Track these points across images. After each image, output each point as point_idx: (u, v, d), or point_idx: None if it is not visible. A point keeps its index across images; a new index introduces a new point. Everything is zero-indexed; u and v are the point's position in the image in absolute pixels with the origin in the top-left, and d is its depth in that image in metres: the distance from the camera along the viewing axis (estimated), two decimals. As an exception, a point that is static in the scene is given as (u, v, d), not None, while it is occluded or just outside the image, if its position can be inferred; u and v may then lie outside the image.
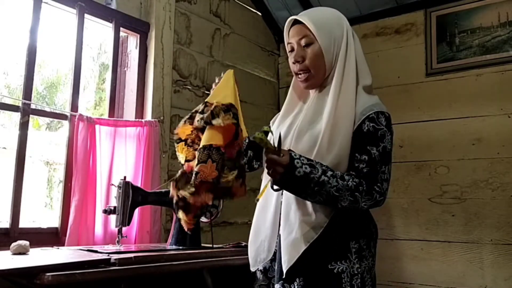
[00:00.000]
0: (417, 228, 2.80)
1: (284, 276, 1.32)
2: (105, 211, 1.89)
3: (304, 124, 1.39)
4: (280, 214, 1.38)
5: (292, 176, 1.23)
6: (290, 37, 1.45)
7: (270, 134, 1.30)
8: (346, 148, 1.32)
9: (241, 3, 3.13)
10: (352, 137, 1.33)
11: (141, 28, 2.51)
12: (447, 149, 2.75)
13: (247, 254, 1.48)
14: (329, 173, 1.26)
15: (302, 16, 1.43)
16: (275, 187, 1.30)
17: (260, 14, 3.25)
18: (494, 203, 2.59)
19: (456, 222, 2.68)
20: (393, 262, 2.84)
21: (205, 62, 2.81)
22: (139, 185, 2.17)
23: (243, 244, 2.06)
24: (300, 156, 1.26)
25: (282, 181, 1.25)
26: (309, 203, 1.32)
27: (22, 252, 1.63)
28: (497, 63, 2.65)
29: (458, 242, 2.66)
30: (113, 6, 2.38)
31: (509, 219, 2.54)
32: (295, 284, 1.31)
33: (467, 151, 2.69)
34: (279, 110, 1.63)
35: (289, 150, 1.27)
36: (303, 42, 1.41)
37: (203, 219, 2.16)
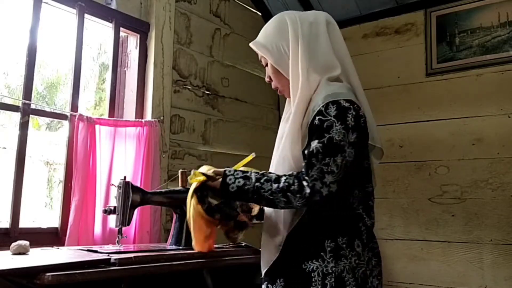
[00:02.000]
0: (417, 228, 2.80)
1: (265, 276, 1.39)
2: (105, 211, 1.88)
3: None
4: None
5: (228, 192, 1.35)
6: None
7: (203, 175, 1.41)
8: (288, 148, 1.33)
9: (241, 3, 3.13)
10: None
11: (141, 28, 2.51)
12: (447, 149, 2.75)
13: (247, 254, 1.50)
14: (264, 178, 1.31)
15: (253, 42, 1.47)
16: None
17: (260, 14, 3.25)
18: (494, 203, 2.59)
19: (456, 222, 2.68)
20: (393, 262, 2.84)
21: (205, 62, 2.81)
22: (139, 185, 2.17)
23: (243, 244, 2.06)
24: (235, 171, 1.36)
25: (224, 196, 1.39)
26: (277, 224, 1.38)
27: (22, 252, 1.63)
28: (497, 63, 2.65)
29: (458, 242, 2.66)
30: (113, 6, 2.38)
31: (509, 219, 2.54)
32: (276, 285, 1.35)
33: (467, 151, 2.69)
34: (279, 110, 1.64)
35: (224, 170, 1.38)
36: (263, 63, 1.48)
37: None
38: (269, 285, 1.37)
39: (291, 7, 3.09)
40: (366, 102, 1.44)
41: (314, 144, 1.27)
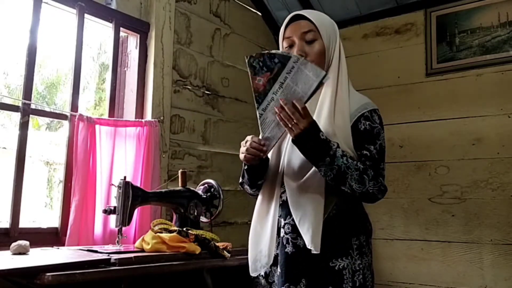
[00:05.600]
0: (417, 228, 2.80)
1: (283, 279, 1.33)
2: (105, 211, 1.88)
3: None
4: (279, 218, 1.38)
5: (316, 137, 1.24)
6: (291, 32, 1.43)
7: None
8: (346, 140, 1.32)
9: (241, 3, 3.12)
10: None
11: (141, 28, 2.51)
12: (447, 149, 2.75)
13: (246, 255, 1.48)
14: (340, 150, 1.28)
15: (306, 12, 1.44)
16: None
17: (260, 14, 3.25)
18: (494, 203, 2.59)
19: (456, 222, 2.68)
20: (393, 262, 2.84)
21: (205, 62, 2.81)
22: (139, 185, 2.17)
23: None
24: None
25: (303, 137, 1.23)
26: (314, 197, 1.31)
27: (22, 252, 1.63)
28: (497, 63, 2.65)
29: (458, 242, 2.66)
30: (113, 6, 2.38)
31: (509, 219, 2.54)
32: (301, 285, 1.30)
33: (467, 151, 2.69)
34: (279, 110, 1.62)
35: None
36: (308, 37, 1.40)
37: (203, 219, 2.16)
38: (291, 287, 1.30)
39: (291, 7, 3.10)
40: None
41: (374, 147, 1.33)
